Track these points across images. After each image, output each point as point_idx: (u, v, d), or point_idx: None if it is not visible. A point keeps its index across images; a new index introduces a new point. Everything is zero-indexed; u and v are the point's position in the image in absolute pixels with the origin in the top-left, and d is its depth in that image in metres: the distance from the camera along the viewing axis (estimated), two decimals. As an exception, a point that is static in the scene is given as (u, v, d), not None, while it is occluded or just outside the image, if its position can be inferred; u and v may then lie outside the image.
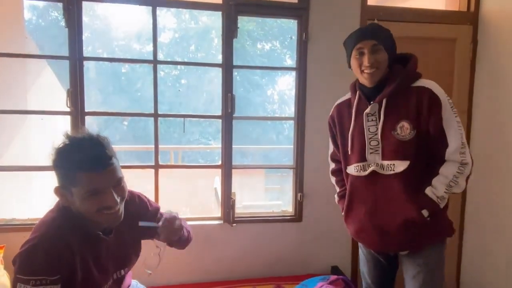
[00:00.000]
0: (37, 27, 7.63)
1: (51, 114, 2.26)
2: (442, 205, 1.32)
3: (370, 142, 1.40)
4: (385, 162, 1.36)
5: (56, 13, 7.58)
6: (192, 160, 7.46)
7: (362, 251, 1.64)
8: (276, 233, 2.30)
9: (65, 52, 2.04)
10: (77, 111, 2.04)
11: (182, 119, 2.33)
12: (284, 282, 2.18)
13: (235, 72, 2.20)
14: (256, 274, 2.28)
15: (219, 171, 2.29)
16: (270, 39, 8.43)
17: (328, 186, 2.31)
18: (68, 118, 2.06)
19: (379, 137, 1.37)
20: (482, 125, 2.34)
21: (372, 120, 1.39)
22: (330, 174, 1.71)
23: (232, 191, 2.25)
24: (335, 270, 2.33)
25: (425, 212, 1.31)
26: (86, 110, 2.07)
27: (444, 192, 1.30)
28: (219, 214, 2.30)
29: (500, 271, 2.18)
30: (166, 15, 7.81)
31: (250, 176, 4.77)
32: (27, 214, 2.12)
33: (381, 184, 1.38)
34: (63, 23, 1.99)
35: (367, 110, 1.39)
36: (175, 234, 1.28)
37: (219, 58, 2.22)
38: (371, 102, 1.39)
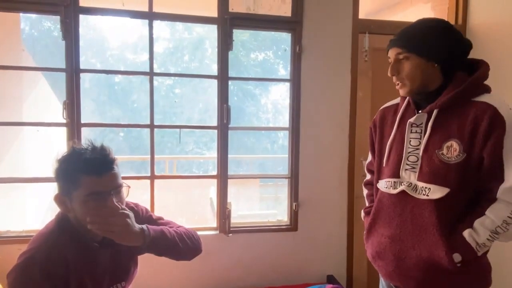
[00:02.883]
0: (30, 37, 7.63)
1: (47, 126, 2.26)
2: (480, 253, 1.08)
3: (408, 157, 1.18)
4: (420, 184, 1.14)
5: (49, 23, 7.60)
6: (187, 170, 7.45)
7: (381, 282, 1.42)
8: (271, 243, 2.32)
9: (58, 62, 2.05)
10: (73, 123, 2.04)
11: (177, 129, 2.35)
12: (280, 291, 2.19)
13: (229, 82, 2.23)
14: (252, 284, 2.29)
15: (214, 181, 2.31)
16: (264, 50, 8.53)
17: (323, 195, 2.36)
18: (64, 129, 2.07)
19: (420, 153, 1.15)
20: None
21: (416, 132, 1.18)
22: (363, 186, 1.51)
23: (228, 201, 2.26)
24: (330, 279, 2.34)
25: (456, 257, 1.07)
26: (82, 121, 2.08)
27: (487, 239, 1.06)
28: (214, 224, 2.31)
29: None
30: (160, 25, 7.87)
31: (245, 186, 4.78)
32: (22, 226, 2.11)
33: (411, 209, 1.17)
34: (56, 33, 2.02)
35: (412, 120, 1.18)
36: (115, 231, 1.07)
37: (213, 68, 2.26)
38: (420, 111, 1.18)
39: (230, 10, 2.18)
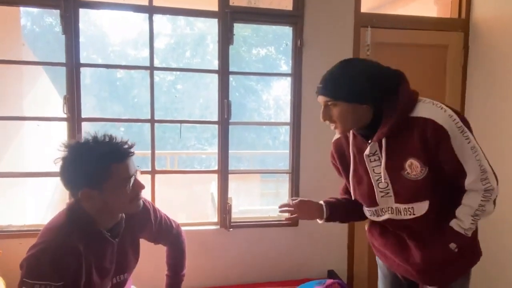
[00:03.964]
0: (32, 33, 7.62)
1: (48, 120, 2.26)
2: (470, 234, 1.19)
3: (378, 185, 1.23)
4: (402, 206, 1.20)
5: (51, 19, 7.58)
6: (188, 165, 7.45)
7: (379, 266, 1.51)
8: (272, 238, 2.31)
9: (60, 57, 2.05)
10: (74, 118, 2.04)
11: (178, 124, 2.34)
12: (280, 286, 2.19)
13: (231, 78, 2.22)
14: (252, 279, 2.29)
15: (215, 176, 2.31)
16: (265, 45, 8.49)
17: (324, 190, 2.34)
18: (64, 124, 2.07)
19: (388, 179, 1.20)
20: (474, 130, 2.38)
21: (375, 160, 1.21)
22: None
23: (229, 196, 2.26)
24: (331, 274, 2.34)
25: (453, 246, 1.18)
26: (83, 116, 2.08)
27: (471, 223, 1.16)
28: (215, 219, 2.31)
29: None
30: (161, 20, 7.84)
31: (245, 181, 4.78)
32: (23, 221, 2.12)
33: (404, 224, 1.24)
34: (57, 29, 2.01)
35: (367, 152, 1.21)
36: None
37: (214, 64, 2.25)
38: (369, 141, 1.20)
39: (231, 3, 2.16)
